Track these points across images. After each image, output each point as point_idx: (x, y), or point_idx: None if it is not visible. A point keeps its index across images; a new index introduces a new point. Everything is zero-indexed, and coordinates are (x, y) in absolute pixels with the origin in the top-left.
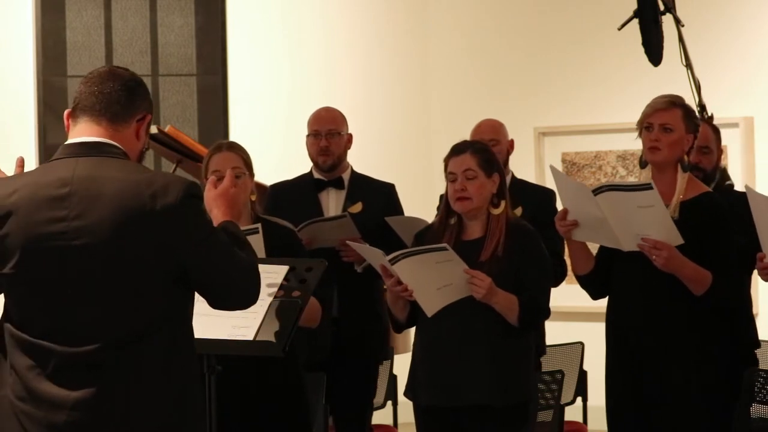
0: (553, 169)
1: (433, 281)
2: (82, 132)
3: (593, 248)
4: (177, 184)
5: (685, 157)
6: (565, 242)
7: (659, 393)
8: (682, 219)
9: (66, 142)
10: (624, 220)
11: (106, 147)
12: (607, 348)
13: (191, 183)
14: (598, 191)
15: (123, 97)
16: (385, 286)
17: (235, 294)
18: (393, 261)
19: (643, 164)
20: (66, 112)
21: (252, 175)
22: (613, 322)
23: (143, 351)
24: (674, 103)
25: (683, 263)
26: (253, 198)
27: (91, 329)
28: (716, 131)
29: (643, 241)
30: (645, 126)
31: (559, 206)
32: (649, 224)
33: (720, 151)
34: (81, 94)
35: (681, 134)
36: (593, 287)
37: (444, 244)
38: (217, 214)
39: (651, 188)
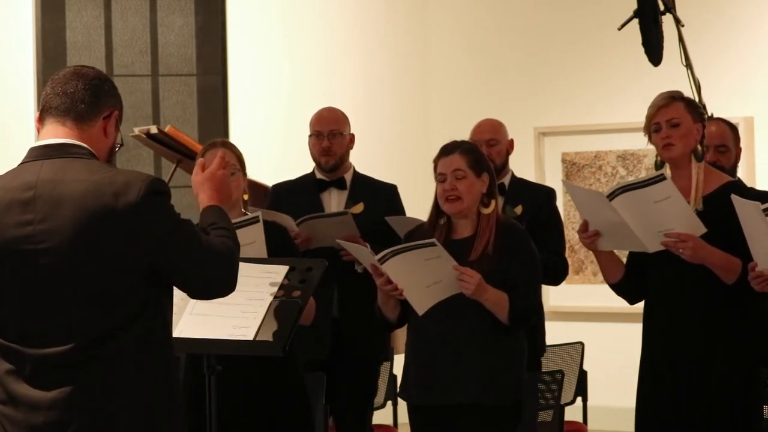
0: (566, 183)
1: (422, 279)
2: (48, 134)
3: (622, 255)
4: (138, 182)
5: (699, 147)
6: (593, 253)
7: (692, 394)
8: (707, 211)
9: (32, 145)
10: (643, 219)
11: (70, 148)
12: (643, 345)
13: (153, 179)
14: (612, 195)
15: (87, 95)
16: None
17: (209, 284)
18: (382, 260)
19: (659, 165)
20: (36, 116)
21: (245, 174)
22: (650, 319)
23: (116, 349)
24: (674, 97)
25: (712, 252)
26: (245, 197)
27: (63, 330)
28: (734, 129)
29: (666, 236)
30: (653, 128)
31: (560, 206)
32: (670, 217)
33: (738, 149)
34: (47, 95)
35: (689, 125)
36: (627, 293)
37: (432, 240)
38: (203, 198)
39: (664, 179)
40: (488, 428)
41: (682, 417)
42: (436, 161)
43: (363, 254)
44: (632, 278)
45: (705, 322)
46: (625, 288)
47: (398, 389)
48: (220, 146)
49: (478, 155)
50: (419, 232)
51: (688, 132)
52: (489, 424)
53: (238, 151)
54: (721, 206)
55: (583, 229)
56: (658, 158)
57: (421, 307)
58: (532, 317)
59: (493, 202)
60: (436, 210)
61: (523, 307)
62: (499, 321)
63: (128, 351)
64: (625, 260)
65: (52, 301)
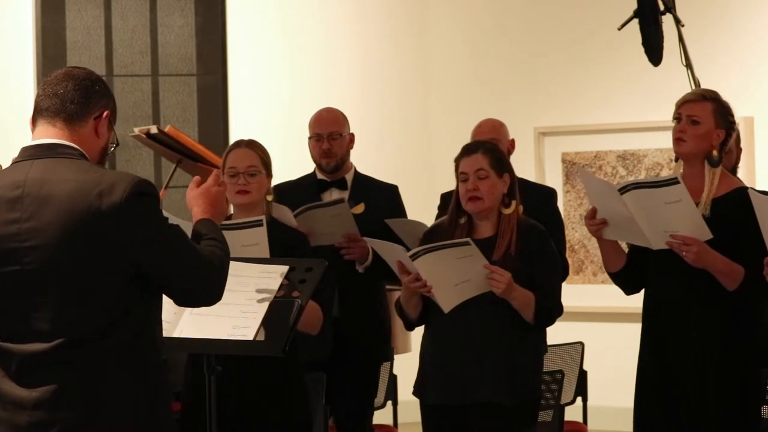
0: (580, 170)
1: (451, 277)
2: (39, 134)
3: (624, 244)
4: (123, 183)
5: (715, 153)
6: (597, 241)
7: (690, 392)
8: (714, 216)
9: (24, 145)
10: (651, 217)
11: (60, 148)
12: (641, 345)
13: (139, 181)
14: (624, 190)
15: (77, 96)
16: (387, 286)
17: (193, 291)
18: (414, 257)
19: (677, 157)
20: (30, 118)
21: (270, 175)
22: (648, 320)
23: (102, 349)
24: (705, 96)
25: (714, 258)
26: (270, 198)
27: (49, 329)
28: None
29: (671, 237)
30: (674, 117)
31: (560, 206)
32: (677, 220)
33: (739, 150)
34: (38, 97)
35: (708, 128)
36: (626, 284)
37: (467, 239)
38: (196, 212)
39: (677, 183)
40: (507, 427)
41: (681, 419)
42: (457, 161)
43: (392, 251)
44: (632, 269)
45: (703, 324)
46: (625, 277)
47: (413, 388)
48: (244, 146)
49: (500, 155)
50: (439, 230)
51: (706, 134)
52: (508, 422)
53: (265, 151)
54: (728, 211)
55: (591, 215)
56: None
57: (447, 305)
58: (557, 316)
59: (513, 203)
60: (457, 209)
61: (548, 306)
62: (519, 320)
63: (114, 351)
64: (626, 251)
65: (37, 299)
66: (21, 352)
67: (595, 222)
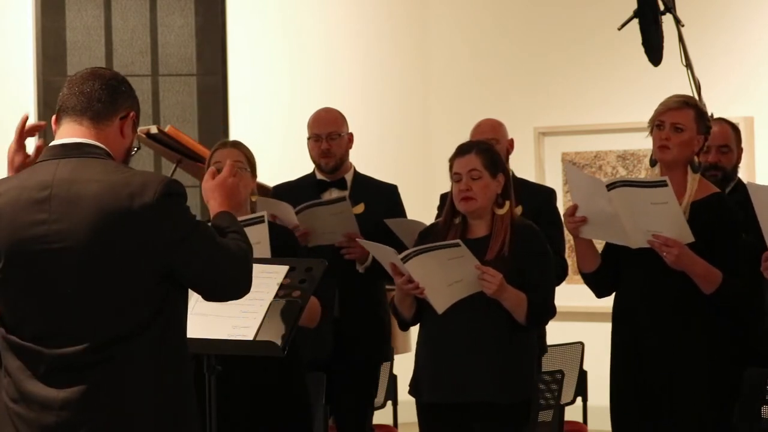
0: (567, 165)
1: (443, 278)
2: (65, 133)
3: (599, 246)
4: (154, 184)
5: (696, 159)
6: (573, 239)
7: (664, 394)
8: (692, 219)
9: (50, 144)
10: (635, 216)
11: (87, 147)
12: (612, 348)
13: (170, 181)
14: (612, 186)
15: (104, 95)
16: (387, 286)
17: (225, 286)
18: (405, 259)
19: (652, 162)
20: (53, 117)
21: (254, 175)
22: (619, 322)
23: (131, 350)
24: (687, 103)
25: (694, 261)
26: (254, 198)
27: (78, 331)
28: (736, 130)
29: (654, 237)
30: (656, 124)
31: (560, 206)
32: (661, 221)
33: (740, 149)
34: (64, 95)
35: (692, 135)
36: (598, 285)
37: (457, 240)
38: (213, 205)
39: (666, 185)
40: (500, 426)
41: (655, 418)
42: (451, 161)
43: (384, 253)
44: (606, 270)
45: (675, 326)
46: (598, 278)
47: (409, 387)
48: (230, 147)
49: (494, 155)
50: (433, 231)
51: (689, 141)
52: (501, 422)
53: (250, 152)
54: (705, 216)
55: (571, 212)
56: (653, 155)
57: (441, 306)
58: (549, 317)
59: (507, 203)
60: (452, 209)
61: (541, 307)
62: (512, 320)
63: (142, 352)
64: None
65: (66, 301)
66: (50, 354)
67: (574, 219)
